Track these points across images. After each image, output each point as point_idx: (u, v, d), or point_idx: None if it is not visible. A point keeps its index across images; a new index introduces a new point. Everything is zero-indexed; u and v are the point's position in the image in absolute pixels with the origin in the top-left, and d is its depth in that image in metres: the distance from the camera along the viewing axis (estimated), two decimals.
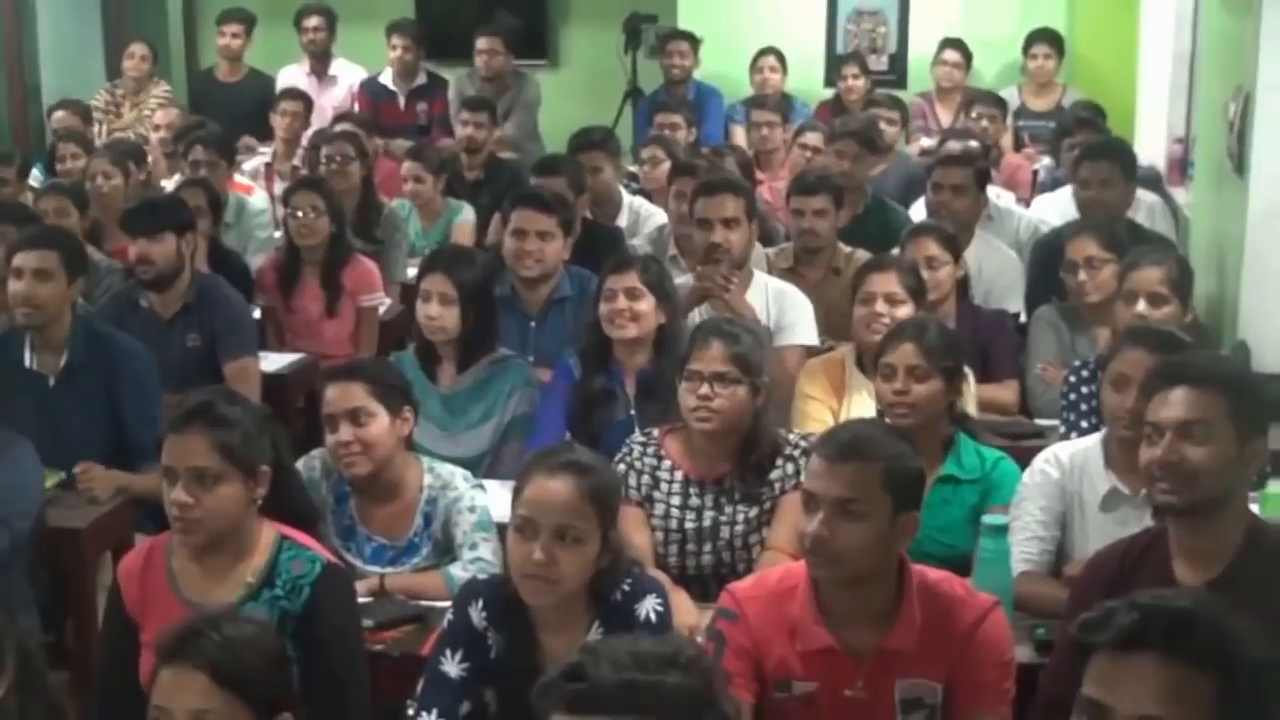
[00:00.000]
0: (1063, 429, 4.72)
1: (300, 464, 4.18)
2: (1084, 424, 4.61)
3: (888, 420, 4.05)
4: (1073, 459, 3.93)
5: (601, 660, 2.05)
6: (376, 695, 3.44)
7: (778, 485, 4.02)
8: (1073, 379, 4.74)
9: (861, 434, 3.15)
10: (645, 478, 4.07)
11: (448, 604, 3.39)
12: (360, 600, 3.88)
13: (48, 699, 2.78)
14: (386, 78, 9.35)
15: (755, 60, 9.14)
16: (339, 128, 7.79)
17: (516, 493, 3.17)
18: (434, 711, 3.13)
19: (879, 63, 9.64)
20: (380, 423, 3.97)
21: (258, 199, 7.46)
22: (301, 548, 3.34)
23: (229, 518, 3.24)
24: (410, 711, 3.15)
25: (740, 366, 3.97)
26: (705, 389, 3.96)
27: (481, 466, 4.70)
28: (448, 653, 3.20)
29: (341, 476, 4.07)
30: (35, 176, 7.69)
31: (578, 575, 3.10)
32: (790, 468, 4.01)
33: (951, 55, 9.09)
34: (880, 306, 4.73)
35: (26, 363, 4.83)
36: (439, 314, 4.79)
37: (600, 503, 3.13)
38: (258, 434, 3.31)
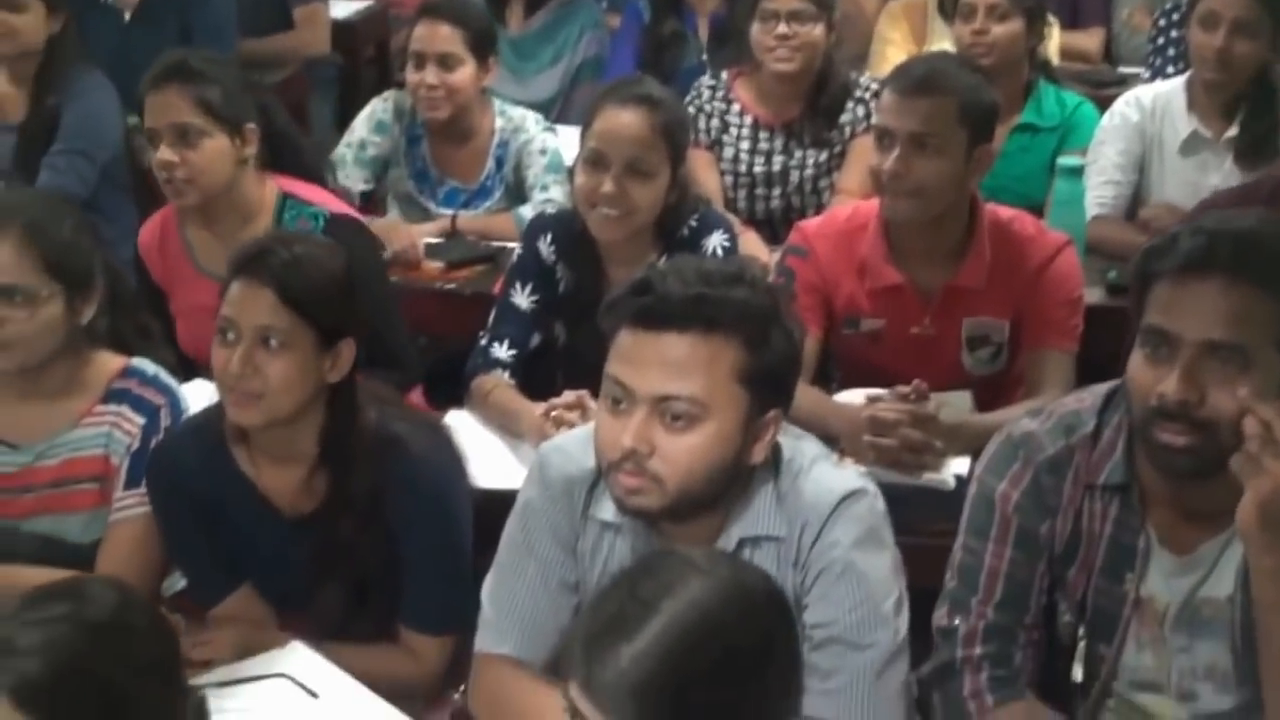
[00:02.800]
0: (1147, 74, 4.60)
1: (373, 104, 4.17)
2: (1170, 69, 4.49)
3: None
4: (1154, 101, 3.84)
5: (669, 276, 2.06)
6: (448, 333, 3.49)
7: (848, 129, 3.99)
8: (1162, 22, 4.62)
9: (935, 67, 3.08)
10: (714, 121, 4.04)
11: (518, 245, 3.41)
12: (432, 240, 3.94)
13: (137, 320, 2.85)
14: None
15: None
16: None
17: (586, 125, 3.14)
18: (505, 342, 3.17)
19: None
20: (467, 70, 3.96)
21: None
22: (305, 204, 3.28)
23: (217, 175, 3.18)
24: (483, 342, 3.20)
25: (816, 2, 3.90)
26: (783, 28, 3.90)
27: (552, 110, 4.67)
28: (517, 285, 3.22)
29: (415, 119, 4.07)
30: None
31: (647, 208, 3.10)
32: (860, 110, 3.96)
33: None
34: None
35: None
36: None
37: (671, 137, 3.10)
38: (239, 91, 3.23)
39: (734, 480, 2.09)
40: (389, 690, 2.32)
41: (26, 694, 1.62)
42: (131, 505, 2.63)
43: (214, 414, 2.55)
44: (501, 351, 3.18)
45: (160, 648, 1.75)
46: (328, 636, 2.46)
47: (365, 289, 2.93)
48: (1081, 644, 2.22)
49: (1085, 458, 2.18)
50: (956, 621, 2.19)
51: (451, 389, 3.24)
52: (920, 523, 2.50)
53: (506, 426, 3.03)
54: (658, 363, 2.02)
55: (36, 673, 1.63)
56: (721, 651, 1.51)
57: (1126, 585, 2.16)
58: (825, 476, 2.15)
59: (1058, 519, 2.19)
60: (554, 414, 2.85)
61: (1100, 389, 2.24)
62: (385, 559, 2.48)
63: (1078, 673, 2.24)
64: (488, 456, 2.88)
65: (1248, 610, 2.08)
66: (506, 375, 3.15)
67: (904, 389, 2.82)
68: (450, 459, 2.56)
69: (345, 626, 2.50)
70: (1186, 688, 2.19)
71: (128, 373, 2.71)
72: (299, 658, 2.38)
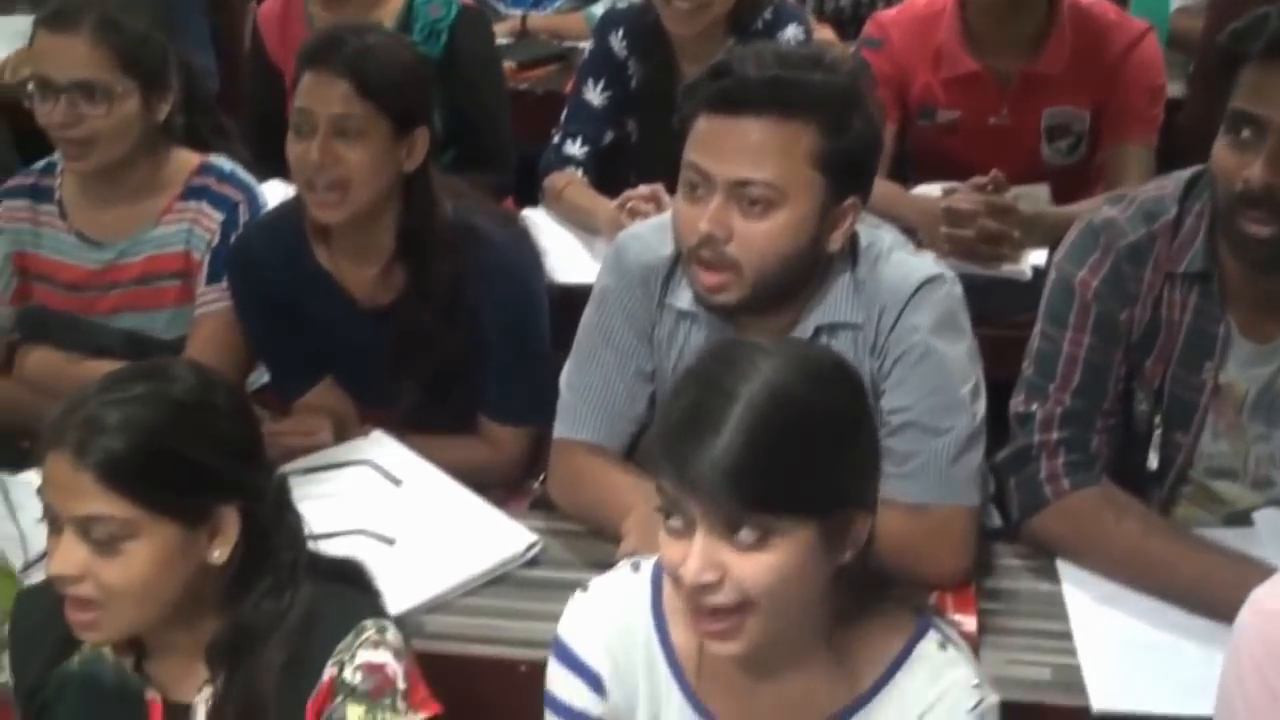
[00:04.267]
0: None
1: None
2: None
3: None
4: None
5: (747, 59, 2.03)
6: (520, 132, 3.48)
7: None
8: None
9: None
10: None
11: (588, 43, 3.37)
12: (502, 41, 3.91)
13: (213, 119, 2.85)
14: None
15: None
16: None
17: None
18: (578, 139, 3.16)
19: None
20: None
21: None
22: None
23: None
24: (556, 139, 3.19)
25: None
26: None
27: None
28: (589, 82, 3.20)
29: None
30: None
31: (721, 2, 3.06)
32: None
33: None
34: None
35: None
36: None
37: None
38: None
39: (811, 268, 2.09)
40: (470, 480, 2.36)
41: (112, 470, 1.66)
42: (214, 300, 2.67)
43: (292, 209, 2.57)
44: (575, 148, 3.17)
45: (242, 427, 1.78)
46: (410, 424, 2.50)
47: (488, 79, 2.92)
48: (1157, 432, 2.22)
49: (1166, 245, 2.16)
50: (1034, 407, 2.20)
51: (526, 189, 3.25)
52: (996, 314, 2.50)
53: (581, 222, 3.04)
54: (735, 147, 2.01)
55: (121, 450, 1.66)
56: (800, 422, 1.54)
57: (1205, 373, 2.15)
58: (904, 263, 2.14)
59: (1136, 307, 2.17)
60: (629, 205, 2.85)
61: (1182, 175, 2.20)
62: (465, 351, 2.50)
63: (1153, 460, 2.25)
64: (563, 253, 2.90)
65: None
66: (580, 172, 3.15)
67: (981, 179, 2.80)
68: (528, 251, 2.57)
69: (425, 419, 2.53)
70: (1262, 474, 2.20)
71: (205, 170, 2.73)
72: (382, 446, 2.43)
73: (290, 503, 1.83)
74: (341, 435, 2.50)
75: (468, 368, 2.51)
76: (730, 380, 1.54)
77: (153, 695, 1.81)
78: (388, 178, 2.44)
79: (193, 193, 2.71)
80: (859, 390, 1.64)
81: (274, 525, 1.79)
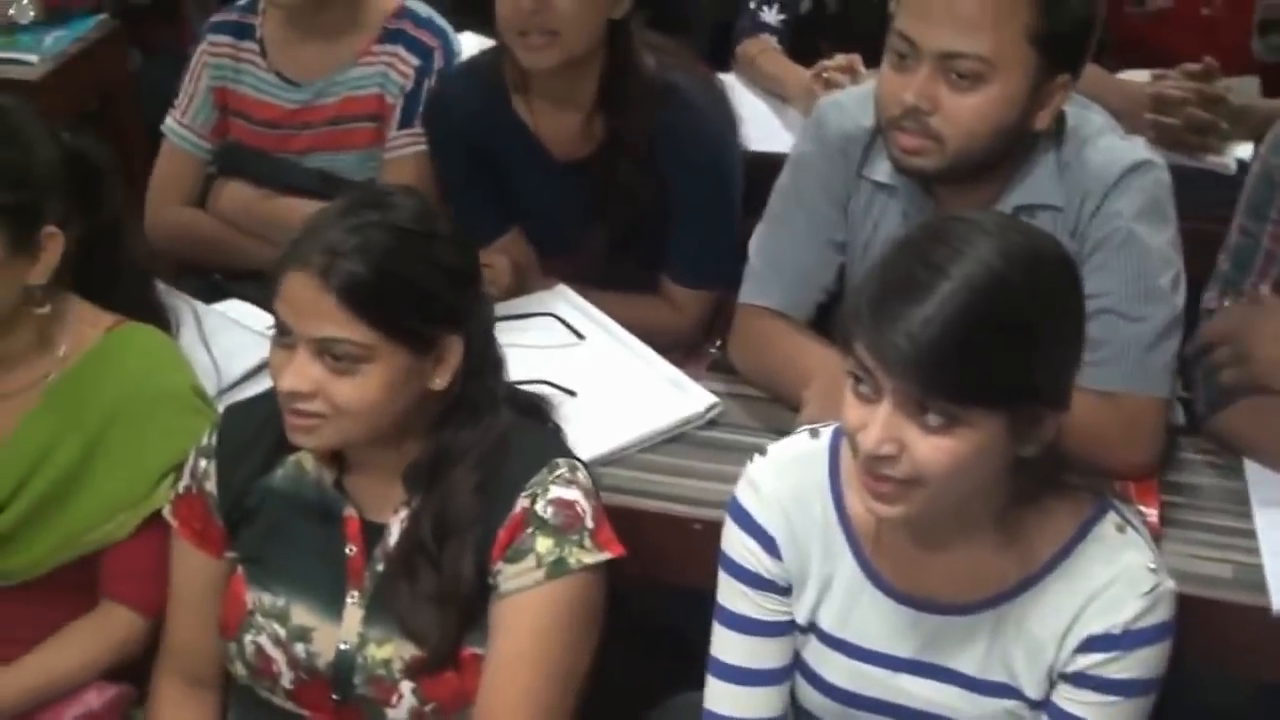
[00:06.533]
0: None
1: None
2: None
3: None
4: None
5: None
6: None
7: None
8: None
9: None
10: None
11: None
12: None
13: None
14: None
15: None
16: None
17: None
18: (775, 5, 3.11)
19: None
20: None
21: None
22: None
23: None
24: (751, 5, 3.13)
25: None
26: None
27: None
28: None
29: None
30: None
31: None
32: None
33: None
34: None
35: None
36: None
37: None
38: None
39: (1016, 145, 2.04)
40: (648, 340, 2.37)
41: (355, 295, 1.70)
42: (406, 144, 2.70)
43: (491, 59, 2.57)
44: (770, 15, 3.13)
45: (463, 254, 1.82)
46: (592, 279, 2.52)
47: None
48: None
49: None
50: (1227, 303, 2.14)
51: (720, 54, 3.21)
52: (1198, 206, 2.42)
53: (774, 90, 3.01)
54: (947, 18, 1.96)
55: (364, 275, 1.70)
56: (1010, 313, 1.50)
57: None
58: (1112, 146, 2.08)
59: None
60: (825, 75, 2.81)
61: None
62: (655, 205, 2.50)
63: None
64: (754, 121, 2.85)
65: None
66: (775, 40, 3.10)
67: (1192, 66, 2.71)
68: (725, 114, 2.55)
69: (609, 271, 2.55)
70: None
71: (403, 13, 2.74)
72: (566, 301, 2.45)
73: (494, 335, 1.86)
74: (522, 285, 2.52)
75: (657, 224, 2.51)
76: (946, 256, 1.51)
77: (350, 512, 1.86)
78: (597, 22, 2.43)
79: (390, 36, 2.73)
80: (1074, 284, 1.60)
81: (484, 355, 1.82)
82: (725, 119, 2.55)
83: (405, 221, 1.76)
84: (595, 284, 2.52)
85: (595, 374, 2.27)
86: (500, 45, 2.51)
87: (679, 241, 2.52)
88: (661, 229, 2.52)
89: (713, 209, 2.50)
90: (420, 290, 1.75)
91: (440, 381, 1.79)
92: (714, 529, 1.83)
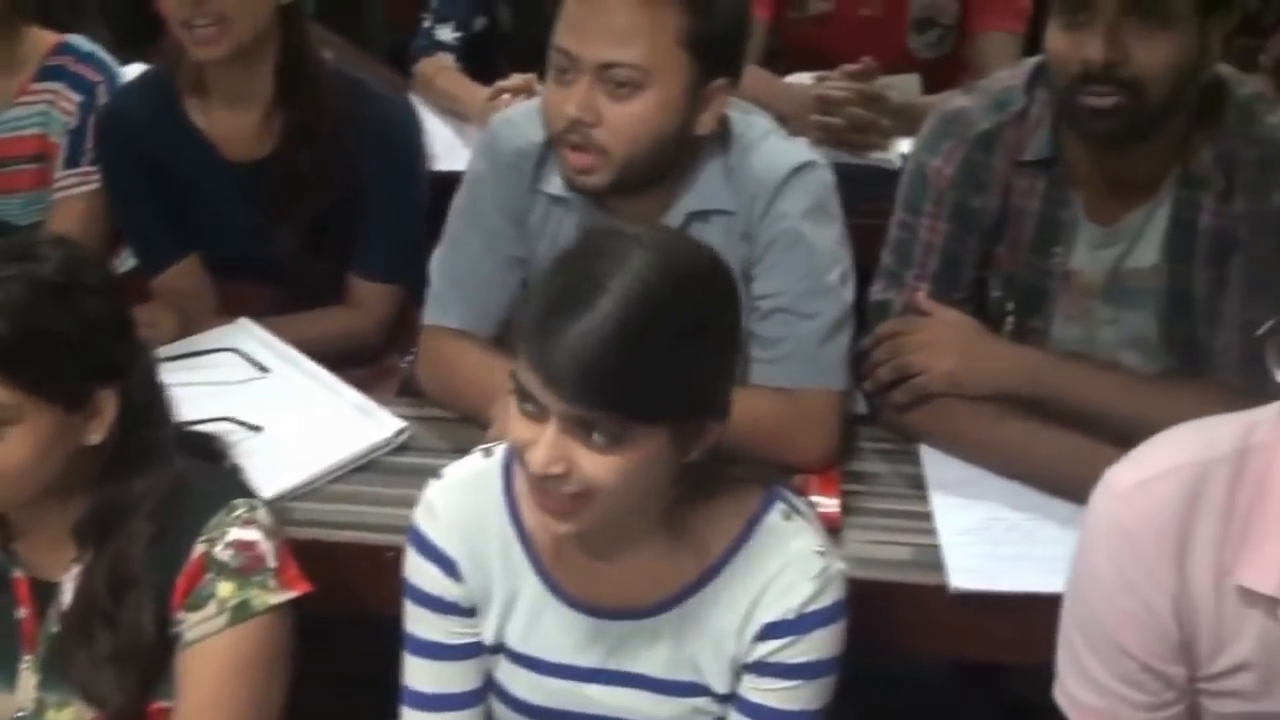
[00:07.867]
0: None
1: None
2: None
3: None
4: None
5: None
6: (391, 17, 3.40)
7: None
8: None
9: None
10: None
11: None
12: None
13: None
14: None
15: None
16: None
17: None
18: (449, 24, 3.12)
19: None
20: None
21: None
22: None
23: None
24: (426, 24, 3.13)
25: None
26: None
27: None
28: None
29: None
30: None
31: None
32: None
33: None
34: None
35: None
36: None
37: None
38: None
39: (680, 151, 2.08)
40: (338, 353, 2.36)
41: None
42: (74, 184, 2.61)
43: (160, 71, 2.53)
44: (446, 33, 3.13)
45: (112, 305, 1.75)
46: (279, 296, 2.49)
47: None
48: (1010, 319, 2.24)
49: (1014, 133, 2.16)
50: (891, 295, 2.22)
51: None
52: (865, 202, 2.51)
53: (453, 109, 3.00)
54: (601, 30, 1.99)
55: (2, 333, 1.63)
56: (665, 328, 1.52)
57: (1054, 259, 2.18)
58: (776, 149, 2.14)
59: (988, 195, 2.18)
60: (501, 97, 2.82)
61: (1029, 63, 2.21)
62: (342, 199, 2.48)
63: None
64: (435, 139, 2.84)
65: (1174, 278, 2.12)
66: (452, 59, 3.10)
67: (852, 67, 2.81)
68: (412, 112, 2.56)
69: (297, 276, 2.52)
70: (1112, 359, 2.23)
71: (62, 49, 2.67)
72: (248, 334, 2.40)
73: (159, 381, 1.81)
74: (188, 326, 2.45)
75: (344, 222, 2.49)
76: (601, 269, 1.52)
77: (19, 574, 1.79)
78: (265, 9, 2.39)
79: (49, 73, 2.65)
80: (730, 295, 1.63)
81: (146, 404, 1.77)
82: (413, 115, 2.55)
83: (49, 274, 1.68)
84: (281, 301, 2.48)
85: (281, 407, 2.22)
86: (172, 58, 2.45)
87: (368, 231, 2.51)
88: (350, 228, 2.50)
89: (399, 198, 2.50)
90: (66, 346, 1.68)
91: (96, 436, 1.72)
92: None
